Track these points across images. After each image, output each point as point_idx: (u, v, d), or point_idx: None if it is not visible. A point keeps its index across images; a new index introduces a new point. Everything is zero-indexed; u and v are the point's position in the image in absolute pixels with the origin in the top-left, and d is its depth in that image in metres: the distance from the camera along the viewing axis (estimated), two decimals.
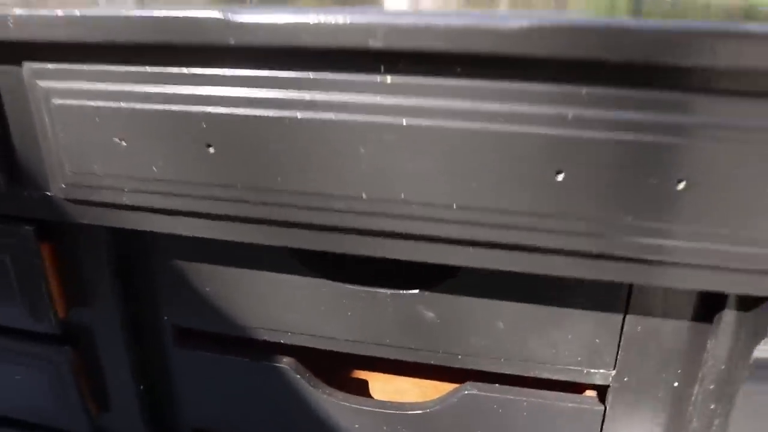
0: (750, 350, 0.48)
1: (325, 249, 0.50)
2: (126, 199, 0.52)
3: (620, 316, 0.54)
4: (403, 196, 0.45)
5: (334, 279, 0.58)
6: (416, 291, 0.57)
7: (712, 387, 0.53)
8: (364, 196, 0.46)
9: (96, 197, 0.52)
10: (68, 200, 0.54)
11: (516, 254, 0.47)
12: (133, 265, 0.63)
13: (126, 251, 0.62)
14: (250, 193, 0.48)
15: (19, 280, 0.60)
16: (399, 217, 0.46)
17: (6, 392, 0.69)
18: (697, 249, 0.43)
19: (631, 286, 0.53)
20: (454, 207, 0.45)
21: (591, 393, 0.61)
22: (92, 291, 0.63)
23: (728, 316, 0.50)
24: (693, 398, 0.55)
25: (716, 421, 0.54)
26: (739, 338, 0.50)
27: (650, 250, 0.44)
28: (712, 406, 0.53)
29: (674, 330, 0.54)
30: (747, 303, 0.48)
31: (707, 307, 0.52)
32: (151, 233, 0.59)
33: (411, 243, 0.48)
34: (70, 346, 0.64)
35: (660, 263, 0.45)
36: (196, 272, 0.61)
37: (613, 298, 0.53)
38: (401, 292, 0.57)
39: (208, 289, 0.62)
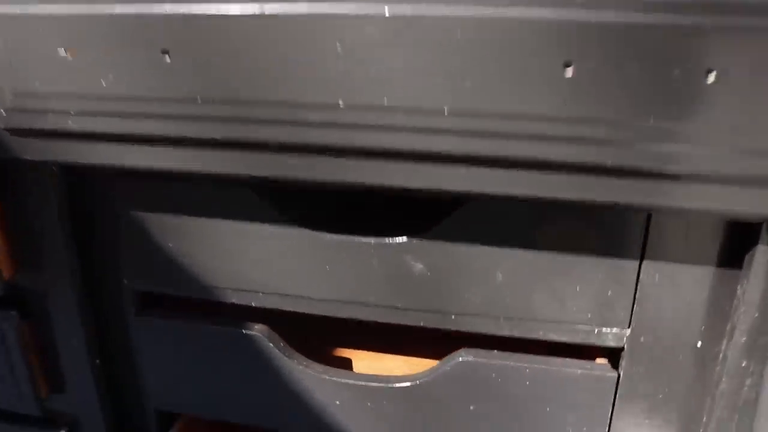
0: None
1: (298, 176, 0.44)
2: (73, 124, 0.45)
3: (635, 263, 0.48)
4: (386, 101, 0.39)
5: (311, 227, 0.52)
6: (404, 238, 0.50)
7: (743, 340, 0.46)
8: (341, 103, 0.40)
9: (40, 124, 0.46)
10: (9, 131, 0.48)
11: (517, 173, 0.41)
12: (89, 221, 0.56)
13: (80, 203, 0.55)
14: (212, 108, 0.42)
15: None
16: (382, 129, 0.40)
17: None
18: (730, 158, 0.37)
19: (647, 224, 0.47)
20: (446, 112, 0.39)
21: (602, 361, 0.54)
22: (43, 250, 0.56)
23: (763, 253, 0.43)
24: (721, 356, 0.48)
25: (748, 381, 0.47)
26: None
27: (674, 159, 0.37)
28: (744, 363, 0.47)
29: (697, 277, 0.47)
30: None
31: (736, 246, 0.46)
32: (108, 182, 0.53)
33: (396, 164, 0.42)
34: (17, 312, 0.57)
35: (685, 178, 0.38)
36: (158, 226, 0.55)
37: (628, 240, 0.47)
38: (387, 240, 0.51)
39: (171, 245, 0.55)
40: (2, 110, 0.46)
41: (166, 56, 0.41)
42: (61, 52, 0.43)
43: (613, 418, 0.53)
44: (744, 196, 0.38)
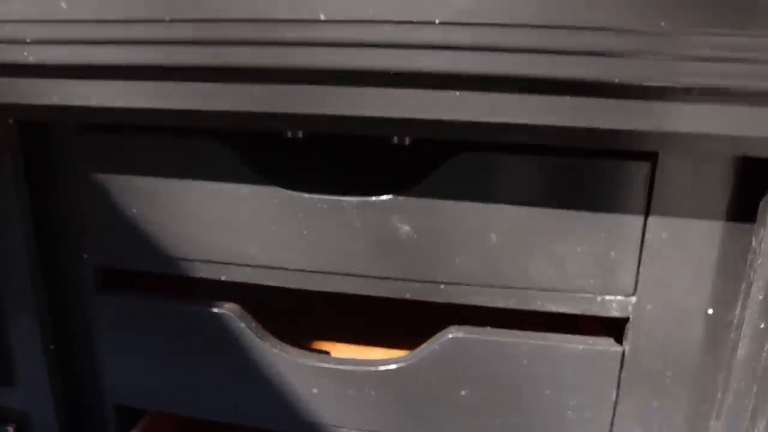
0: None
1: (275, 109, 0.40)
2: (29, 56, 0.41)
3: (640, 219, 0.44)
4: (371, 13, 0.36)
5: (287, 186, 0.48)
6: (389, 196, 0.46)
7: (761, 297, 0.42)
8: (321, 17, 0.37)
9: None
10: None
11: (514, 97, 0.37)
12: (47, 186, 0.52)
13: (38, 165, 0.51)
14: (181, 29, 0.38)
15: None
16: (367, 46, 0.37)
17: None
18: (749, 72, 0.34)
19: (652, 175, 0.43)
20: (436, 22, 0.35)
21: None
22: None
23: None
24: (735, 321, 0.44)
25: (767, 346, 0.42)
26: None
27: (684, 71, 0.34)
28: (762, 325, 0.43)
29: (707, 233, 0.44)
30: None
31: (748, 195, 0.42)
32: (68, 139, 0.49)
33: (382, 90, 0.38)
34: None
35: (697, 93, 0.35)
36: (122, 189, 0.50)
37: (631, 193, 0.43)
38: (371, 199, 0.47)
39: (135, 211, 0.50)
40: None
41: None
42: None
43: (618, 399, 0.48)
44: (760, 116, 0.35)
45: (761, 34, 0.33)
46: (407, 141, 0.48)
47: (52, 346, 0.55)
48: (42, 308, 0.54)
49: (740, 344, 0.43)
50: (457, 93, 0.38)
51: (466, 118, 0.38)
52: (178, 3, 0.38)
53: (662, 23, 0.33)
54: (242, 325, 0.52)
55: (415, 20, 0.36)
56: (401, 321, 0.61)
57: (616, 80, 0.35)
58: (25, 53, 0.42)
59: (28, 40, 0.41)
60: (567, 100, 0.37)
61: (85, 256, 0.53)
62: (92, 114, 0.44)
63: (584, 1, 0.34)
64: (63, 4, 0.40)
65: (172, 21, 0.38)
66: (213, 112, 0.41)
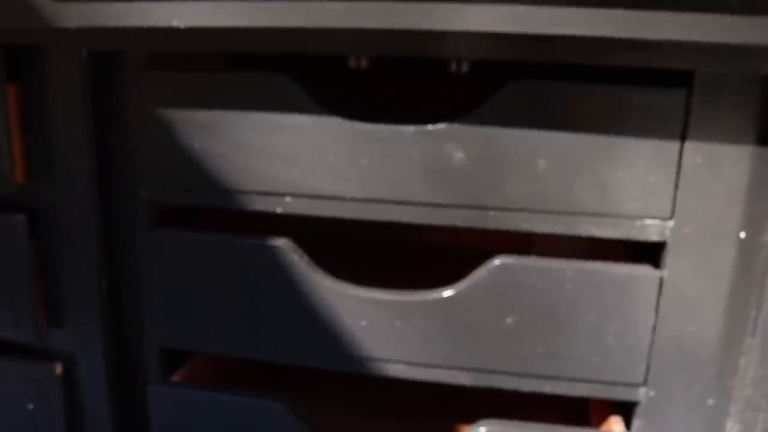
0: None
1: (354, 25, 0.43)
2: None
3: (677, 144, 0.48)
4: None
5: (346, 116, 0.51)
6: (444, 125, 0.50)
7: None
8: None
9: None
10: None
11: (560, 9, 0.41)
12: (110, 121, 0.54)
13: (104, 98, 0.54)
14: None
15: None
16: None
17: None
18: None
19: (688, 101, 0.47)
20: None
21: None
22: (61, 150, 0.54)
23: None
24: (767, 235, 0.47)
25: None
26: None
27: None
28: None
29: (739, 158, 0.48)
30: None
31: None
32: (135, 73, 0.52)
33: (461, 6, 0.42)
34: (25, 217, 0.53)
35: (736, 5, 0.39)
36: (182, 125, 0.53)
37: (669, 118, 0.47)
38: (427, 127, 0.50)
39: (196, 144, 0.53)
40: None
41: None
42: None
43: (657, 325, 0.51)
44: None
45: None
46: (464, 68, 0.52)
47: (103, 284, 0.56)
48: (97, 245, 0.55)
49: None
50: (520, 6, 0.42)
51: (527, 30, 0.42)
52: None
53: None
54: (295, 257, 0.54)
55: None
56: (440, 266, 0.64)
57: None
58: None
59: None
60: (616, 13, 0.41)
61: (142, 192, 0.55)
62: (168, 39, 0.47)
63: None
64: None
65: None
66: (288, 30, 0.44)
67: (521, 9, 0.42)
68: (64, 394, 0.58)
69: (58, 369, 0.57)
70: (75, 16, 0.48)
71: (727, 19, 0.40)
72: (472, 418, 0.55)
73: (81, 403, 0.59)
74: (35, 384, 0.58)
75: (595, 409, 0.62)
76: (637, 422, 0.53)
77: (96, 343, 0.57)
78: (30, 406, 0.59)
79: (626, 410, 0.55)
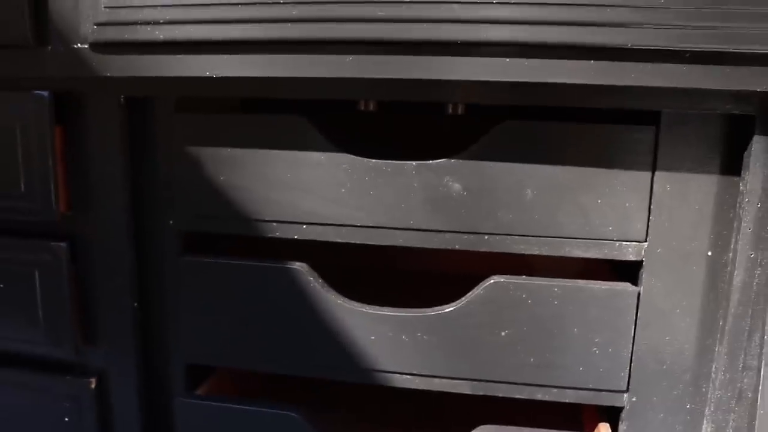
0: None
1: (364, 75, 0.50)
2: (161, 34, 0.52)
3: (649, 174, 0.54)
4: None
5: (357, 153, 0.57)
6: (443, 160, 0.56)
7: (750, 230, 0.52)
8: None
9: (129, 35, 0.52)
10: (95, 45, 0.54)
11: (551, 62, 0.48)
12: (144, 158, 0.61)
13: (139, 138, 0.60)
14: (294, 9, 0.49)
15: (26, 161, 0.57)
16: (439, 21, 0.48)
17: None
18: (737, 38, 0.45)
19: (657, 137, 0.54)
20: (494, 1, 0.47)
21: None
22: (99, 184, 0.60)
23: (759, 142, 0.50)
24: (731, 252, 0.54)
25: (758, 272, 0.52)
26: None
27: (683, 39, 0.46)
28: (752, 254, 0.52)
29: (704, 186, 0.54)
30: None
31: (734, 152, 0.53)
32: (167, 115, 0.58)
33: (457, 59, 0.49)
34: (67, 244, 0.59)
35: (692, 56, 0.46)
36: (209, 161, 0.59)
37: (640, 152, 0.54)
38: (428, 162, 0.57)
39: (222, 178, 0.60)
40: (93, 25, 0.53)
41: None
42: None
43: (636, 336, 0.57)
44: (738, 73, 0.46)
45: (738, 6, 0.44)
46: (460, 110, 0.59)
47: (135, 305, 0.62)
48: (130, 270, 0.61)
49: (735, 273, 0.53)
50: (507, 60, 0.48)
51: (513, 79, 0.49)
52: None
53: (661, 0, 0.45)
54: (310, 279, 0.60)
55: (477, 1, 0.47)
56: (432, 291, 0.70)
57: (628, 44, 0.46)
58: (158, 33, 0.52)
59: (161, 21, 0.51)
60: (591, 64, 0.48)
61: (171, 221, 0.62)
62: (198, 86, 0.54)
63: None
64: None
65: (284, 3, 0.49)
66: (309, 80, 0.51)
67: (508, 62, 0.49)
68: (98, 408, 0.64)
69: (93, 384, 0.63)
70: (116, 67, 0.54)
71: (683, 68, 0.47)
72: (474, 425, 0.61)
73: (112, 416, 0.65)
74: (71, 398, 0.64)
75: (586, 414, 0.67)
76: (622, 426, 0.59)
77: (127, 359, 0.63)
78: (66, 419, 0.64)
79: (614, 414, 0.61)
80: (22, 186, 0.58)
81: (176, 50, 0.52)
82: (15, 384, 0.64)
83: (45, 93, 0.56)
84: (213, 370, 0.70)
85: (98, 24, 0.53)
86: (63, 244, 0.59)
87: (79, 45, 0.54)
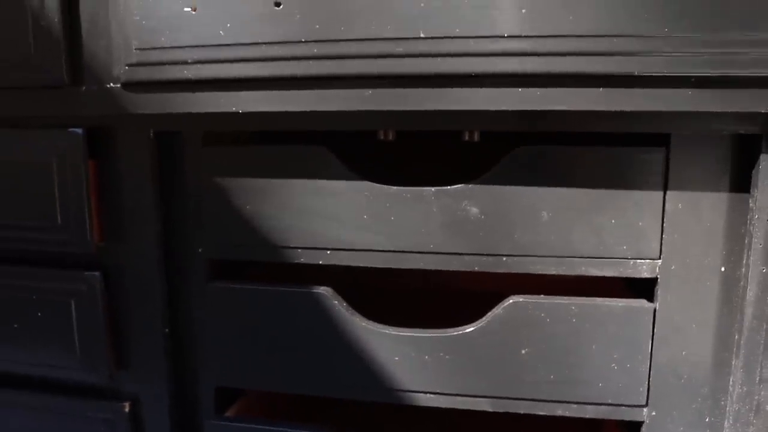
0: None
1: (383, 108, 0.53)
2: (189, 73, 0.55)
3: (660, 194, 0.56)
4: (458, 31, 0.50)
5: (378, 181, 0.60)
6: (460, 185, 0.58)
7: (761, 246, 0.53)
8: (421, 34, 0.50)
9: (159, 75, 0.55)
10: (127, 85, 0.56)
11: (561, 90, 0.50)
12: (173, 190, 0.64)
13: (168, 171, 0.63)
14: (315, 48, 0.52)
15: (62, 195, 0.60)
16: (454, 55, 0.50)
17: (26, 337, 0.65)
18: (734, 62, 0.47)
19: (667, 157, 0.55)
20: (505, 35, 0.49)
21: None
22: (130, 216, 0.63)
23: (766, 161, 0.52)
24: (743, 267, 0.55)
25: None
26: None
27: (685, 64, 0.48)
28: (765, 270, 0.54)
29: (715, 203, 0.56)
30: None
31: (744, 169, 0.54)
32: (195, 149, 0.61)
33: (472, 90, 0.51)
34: (101, 274, 0.62)
35: (696, 81, 0.48)
36: (237, 190, 0.62)
37: (652, 172, 0.55)
38: (446, 187, 0.59)
39: (249, 207, 0.62)
40: (126, 65, 0.56)
41: (279, 6, 0.52)
42: (186, 9, 0.53)
43: (654, 352, 0.58)
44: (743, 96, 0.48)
45: (738, 33, 0.46)
46: (476, 137, 0.61)
47: (166, 330, 0.65)
48: (161, 297, 0.64)
49: (748, 288, 0.54)
50: (519, 89, 0.51)
51: (526, 108, 0.51)
52: (313, 27, 0.51)
53: (666, 29, 0.47)
54: (335, 302, 0.62)
55: (488, 34, 0.49)
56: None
57: (635, 72, 0.49)
58: (187, 72, 0.55)
59: (189, 61, 0.54)
60: (600, 91, 0.50)
61: (200, 249, 0.64)
62: (225, 120, 0.56)
63: (609, 16, 0.48)
64: (221, 33, 0.53)
65: (307, 41, 0.52)
66: (330, 113, 0.54)
67: (520, 91, 0.51)
68: (132, 431, 0.66)
69: (126, 408, 0.65)
70: (146, 105, 0.57)
71: (689, 93, 0.49)
72: None
73: None
74: (106, 423, 0.66)
75: (607, 429, 0.69)
76: None
77: (159, 383, 0.65)
78: None
79: (635, 429, 0.62)
80: (59, 218, 0.60)
81: (204, 88, 0.55)
82: (52, 410, 0.66)
83: (79, 130, 0.59)
84: (242, 392, 0.72)
85: (130, 65, 0.55)
86: (97, 274, 0.62)
87: (111, 84, 0.57)
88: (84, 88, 0.58)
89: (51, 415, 0.66)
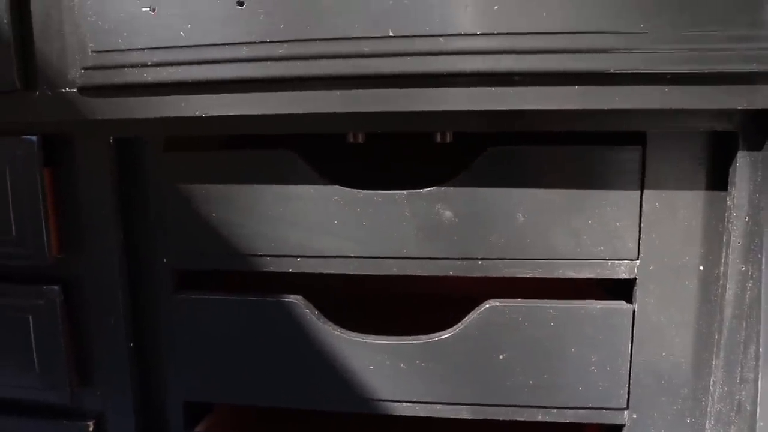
0: None
1: (353, 109, 0.51)
2: (149, 76, 0.52)
3: (637, 193, 0.55)
4: (428, 29, 0.48)
5: (347, 185, 0.58)
6: (433, 188, 0.57)
7: (739, 243, 0.53)
8: (391, 33, 0.48)
9: (117, 78, 0.53)
10: (83, 89, 0.54)
11: (531, 89, 0.49)
12: (134, 198, 0.61)
13: (129, 178, 0.60)
14: (280, 48, 0.50)
15: (17, 205, 0.57)
16: (425, 54, 0.48)
17: None
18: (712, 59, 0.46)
19: (644, 157, 0.54)
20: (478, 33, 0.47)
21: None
22: (89, 226, 0.60)
23: (743, 158, 0.51)
24: (722, 266, 0.54)
25: (749, 284, 0.53)
26: (756, 177, 0.51)
27: (659, 61, 0.47)
28: (743, 268, 0.53)
29: (692, 202, 0.55)
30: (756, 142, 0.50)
31: (720, 168, 0.54)
32: (156, 155, 0.58)
33: (444, 90, 0.50)
34: (60, 287, 0.59)
35: (672, 78, 0.47)
36: (202, 197, 0.59)
37: (628, 172, 0.54)
38: (418, 190, 0.57)
39: (214, 215, 0.60)
40: (82, 68, 0.53)
41: (241, 6, 0.50)
42: (145, 9, 0.51)
43: (633, 353, 0.57)
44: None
45: (714, 29, 0.46)
46: (448, 138, 0.59)
47: (131, 344, 0.62)
48: (124, 310, 0.61)
49: (727, 286, 0.53)
50: (492, 88, 0.49)
51: (499, 107, 0.49)
52: (277, 26, 0.49)
53: (641, 26, 0.46)
54: (306, 311, 0.60)
55: (459, 32, 0.47)
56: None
57: (611, 69, 0.47)
58: (146, 75, 0.52)
59: (149, 63, 0.52)
60: (575, 89, 0.49)
61: (165, 259, 0.62)
62: (187, 125, 0.54)
63: (584, 12, 0.46)
64: (182, 34, 0.51)
65: (272, 42, 0.50)
66: (297, 115, 0.52)
67: (493, 90, 0.49)
68: None
69: (90, 427, 0.62)
70: (104, 110, 0.55)
71: (665, 90, 0.48)
72: None
73: None
74: None
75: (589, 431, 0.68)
76: None
77: (125, 400, 0.62)
78: None
79: (616, 431, 0.61)
80: (14, 230, 0.57)
81: (164, 91, 0.52)
82: None
83: (33, 138, 0.56)
84: (211, 406, 0.70)
85: (86, 68, 0.53)
86: (56, 288, 0.59)
87: (67, 89, 0.54)
88: (38, 93, 0.55)
89: None
